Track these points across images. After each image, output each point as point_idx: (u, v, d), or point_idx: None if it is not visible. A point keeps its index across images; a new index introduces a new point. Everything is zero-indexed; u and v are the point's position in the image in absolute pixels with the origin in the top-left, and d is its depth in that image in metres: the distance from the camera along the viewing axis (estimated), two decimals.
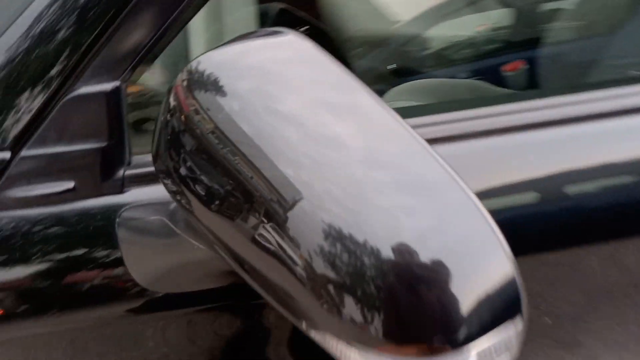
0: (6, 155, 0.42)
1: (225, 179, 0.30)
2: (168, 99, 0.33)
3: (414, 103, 0.84)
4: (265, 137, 0.28)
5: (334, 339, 0.26)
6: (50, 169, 0.43)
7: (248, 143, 0.28)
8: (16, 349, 0.45)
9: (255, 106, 0.29)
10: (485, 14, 1.14)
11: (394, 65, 1.11)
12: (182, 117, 0.32)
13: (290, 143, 0.27)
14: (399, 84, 0.93)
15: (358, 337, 0.25)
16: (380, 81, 1.05)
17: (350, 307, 0.25)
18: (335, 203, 0.26)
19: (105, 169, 0.44)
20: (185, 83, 0.33)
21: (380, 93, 0.84)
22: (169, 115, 0.33)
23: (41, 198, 0.43)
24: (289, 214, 0.26)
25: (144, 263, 0.45)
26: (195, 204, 0.32)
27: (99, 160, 0.43)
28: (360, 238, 0.25)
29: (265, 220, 0.27)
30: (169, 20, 0.43)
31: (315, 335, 0.27)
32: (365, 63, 1.13)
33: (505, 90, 0.96)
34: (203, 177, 0.31)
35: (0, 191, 0.42)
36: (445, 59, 1.10)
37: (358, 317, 0.25)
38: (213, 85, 0.31)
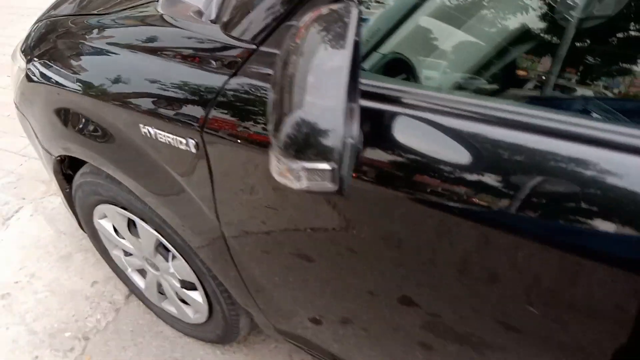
0: (253, 46, 0.81)
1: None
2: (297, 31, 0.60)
3: None
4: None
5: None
6: (267, 61, 0.80)
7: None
8: None
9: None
10: None
11: None
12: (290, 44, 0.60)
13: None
14: None
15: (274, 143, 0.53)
16: None
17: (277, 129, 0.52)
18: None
19: None
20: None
21: None
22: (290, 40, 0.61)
23: (260, 74, 0.81)
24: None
25: None
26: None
27: None
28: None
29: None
30: None
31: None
32: None
33: None
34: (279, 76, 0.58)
35: (247, 65, 0.81)
36: None
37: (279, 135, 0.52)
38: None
